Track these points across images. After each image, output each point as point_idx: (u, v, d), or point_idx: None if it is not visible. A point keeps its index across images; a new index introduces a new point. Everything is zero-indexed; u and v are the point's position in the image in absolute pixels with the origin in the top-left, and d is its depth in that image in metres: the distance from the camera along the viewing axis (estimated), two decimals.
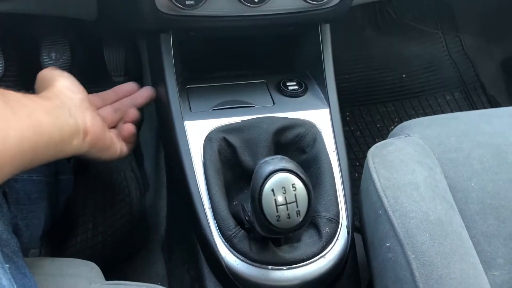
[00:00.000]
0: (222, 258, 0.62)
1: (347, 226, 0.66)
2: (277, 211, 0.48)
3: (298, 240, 0.63)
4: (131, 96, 0.83)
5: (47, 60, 1.24)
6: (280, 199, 0.48)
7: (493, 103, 1.42)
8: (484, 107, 1.40)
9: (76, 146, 0.60)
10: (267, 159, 0.51)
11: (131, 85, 0.84)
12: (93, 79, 1.27)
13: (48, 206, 0.78)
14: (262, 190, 0.48)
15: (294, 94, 0.79)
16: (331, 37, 0.80)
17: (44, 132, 0.53)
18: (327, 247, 0.63)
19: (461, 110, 1.38)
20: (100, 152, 0.67)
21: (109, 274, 0.97)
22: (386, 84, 1.43)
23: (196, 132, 0.70)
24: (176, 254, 0.87)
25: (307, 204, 0.49)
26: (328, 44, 0.80)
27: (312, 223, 0.64)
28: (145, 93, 0.82)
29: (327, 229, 0.63)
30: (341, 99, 0.79)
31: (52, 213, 0.82)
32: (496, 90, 1.45)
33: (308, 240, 0.63)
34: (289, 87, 0.80)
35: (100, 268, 0.97)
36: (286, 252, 0.61)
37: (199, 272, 0.67)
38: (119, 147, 0.73)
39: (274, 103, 0.78)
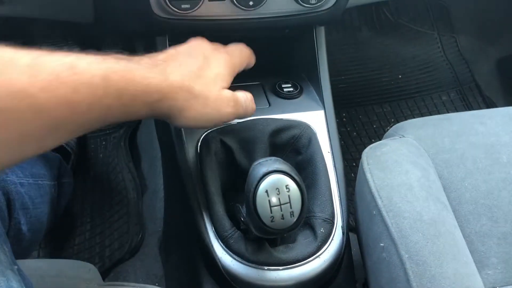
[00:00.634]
0: (219, 259, 0.62)
1: (342, 227, 0.66)
2: (271, 212, 0.49)
3: (293, 240, 0.63)
4: None
5: None
6: (274, 200, 0.49)
7: (489, 103, 1.43)
8: (480, 107, 1.41)
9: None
10: (261, 160, 0.52)
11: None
12: None
13: (50, 210, 0.79)
14: (256, 192, 0.49)
15: (289, 96, 0.80)
16: (327, 38, 0.81)
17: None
18: (322, 247, 0.63)
19: (457, 111, 1.39)
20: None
21: (107, 275, 0.99)
22: (383, 85, 1.43)
23: (193, 134, 0.71)
24: (173, 255, 0.88)
25: (301, 205, 0.50)
26: (323, 46, 0.80)
27: (307, 223, 0.65)
28: None
29: (322, 230, 0.64)
30: (338, 100, 0.79)
31: (53, 216, 0.83)
32: (492, 90, 1.46)
33: (304, 240, 0.63)
34: (285, 89, 0.81)
35: (98, 269, 0.98)
36: (281, 253, 0.61)
37: (196, 273, 0.68)
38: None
39: (270, 104, 0.79)
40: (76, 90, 0.42)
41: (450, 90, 1.45)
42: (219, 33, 0.77)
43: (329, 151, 0.73)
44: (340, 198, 0.69)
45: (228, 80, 0.59)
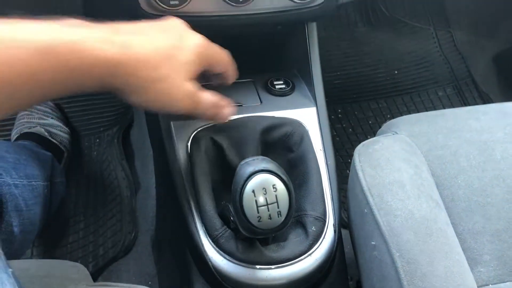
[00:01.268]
0: (209, 258, 0.62)
1: (333, 225, 0.66)
2: (258, 212, 0.49)
3: (285, 239, 0.63)
4: None
5: None
6: (261, 200, 0.48)
7: (485, 99, 1.42)
8: (476, 103, 1.41)
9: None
10: (248, 159, 0.51)
11: None
12: None
13: (42, 211, 0.78)
14: (243, 191, 0.49)
15: (281, 93, 0.79)
16: (322, 34, 0.80)
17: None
18: (314, 245, 0.63)
19: (453, 106, 1.39)
20: None
21: (101, 274, 0.98)
22: (378, 81, 1.43)
23: (183, 132, 0.70)
24: (165, 254, 0.87)
25: (288, 205, 0.50)
26: (315, 43, 0.79)
27: (299, 222, 0.64)
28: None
29: (313, 228, 0.63)
30: (333, 95, 0.79)
31: (46, 216, 0.82)
32: (488, 86, 1.45)
33: (295, 239, 0.63)
34: (277, 86, 0.80)
35: (91, 267, 0.97)
36: (273, 252, 0.61)
37: (187, 272, 0.67)
38: None
39: (261, 102, 0.78)
40: (11, 65, 0.39)
41: (446, 86, 1.44)
42: (209, 30, 0.76)
43: (321, 149, 0.72)
44: (332, 196, 0.69)
45: (195, 71, 0.52)
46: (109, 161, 1.15)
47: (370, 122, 1.35)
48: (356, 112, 1.36)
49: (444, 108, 1.32)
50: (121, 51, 0.46)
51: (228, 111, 0.59)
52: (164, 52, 0.49)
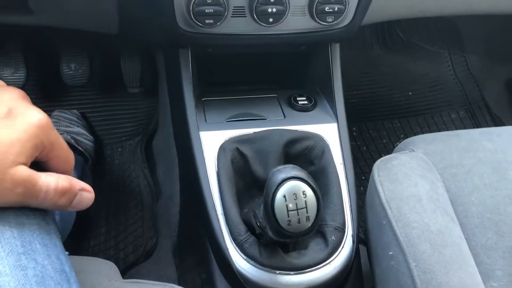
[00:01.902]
0: (233, 262, 0.65)
1: (352, 235, 0.69)
2: (288, 216, 0.52)
3: (305, 247, 0.66)
4: None
5: (67, 70, 1.29)
6: (291, 205, 0.52)
7: (498, 122, 1.45)
8: (489, 126, 1.43)
9: None
10: (279, 167, 0.55)
11: None
12: (109, 90, 1.33)
13: None
14: (275, 196, 0.52)
15: (304, 109, 0.83)
16: (340, 54, 0.85)
17: None
18: (333, 254, 0.66)
19: (465, 128, 1.41)
20: None
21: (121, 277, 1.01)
22: (393, 101, 1.46)
23: (211, 142, 0.74)
24: (187, 259, 0.90)
25: (316, 210, 0.53)
26: (337, 62, 0.84)
27: (319, 231, 0.68)
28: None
29: (333, 237, 0.66)
30: (349, 114, 0.82)
31: (77, 214, 0.86)
32: (501, 109, 1.48)
33: (315, 247, 0.66)
34: (299, 102, 0.84)
35: None
36: (294, 258, 0.64)
37: (210, 275, 0.70)
38: None
39: (284, 116, 0.82)
40: None
41: (460, 108, 1.48)
42: (240, 47, 0.81)
43: (341, 163, 0.76)
44: (351, 208, 0.72)
45: (29, 154, 0.40)
46: (131, 169, 1.19)
47: (384, 141, 1.38)
48: (370, 131, 1.39)
49: (456, 130, 1.35)
50: None
51: (88, 196, 0.46)
52: None
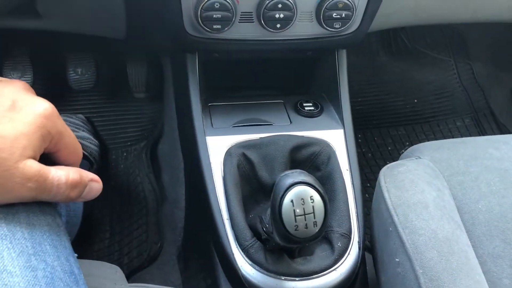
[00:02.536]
0: (239, 268, 0.65)
1: (358, 242, 0.69)
2: (296, 221, 0.52)
3: (311, 253, 0.66)
4: None
5: (73, 75, 1.30)
6: (298, 210, 0.52)
7: (503, 130, 1.44)
8: (494, 134, 1.43)
9: None
10: (287, 172, 0.55)
11: None
12: (115, 95, 1.33)
13: (82, 208, 0.81)
14: (282, 201, 0.52)
15: (310, 115, 0.83)
16: (346, 61, 0.85)
17: None
18: (339, 260, 0.66)
19: (471, 136, 1.41)
20: None
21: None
22: (398, 109, 1.46)
23: (217, 147, 0.74)
24: (192, 264, 0.90)
25: (324, 216, 0.53)
26: (344, 68, 0.84)
27: (325, 237, 0.67)
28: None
29: (339, 244, 0.66)
30: (354, 121, 0.83)
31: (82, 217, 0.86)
32: (506, 117, 1.47)
33: (321, 253, 0.66)
34: (306, 108, 0.84)
35: None
36: (299, 264, 0.64)
37: (216, 281, 0.70)
38: None
39: (291, 122, 0.82)
40: None
41: (465, 116, 1.47)
42: (247, 52, 0.81)
43: (348, 169, 0.76)
44: (357, 214, 0.72)
45: (37, 147, 0.40)
46: (136, 174, 1.19)
47: (389, 148, 1.38)
48: (375, 138, 1.39)
49: (462, 137, 1.35)
50: None
51: (97, 186, 0.46)
52: None
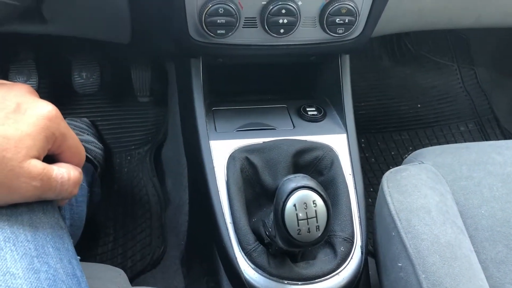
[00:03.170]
0: (242, 271, 0.65)
1: (361, 246, 0.69)
2: (298, 225, 0.52)
3: (314, 257, 0.66)
4: None
5: (78, 79, 1.31)
6: (301, 214, 0.52)
7: (507, 135, 1.44)
8: (498, 139, 1.43)
9: None
10: (290, 176, 0.55)
11: None
12: (119, 99, 1.34)
13: (86, 211, 0.82)
14: (285, 205, 0.52)
15: (313, 119, 0.83)
16: (349, 66, 0.85)
17: None
18: (342, 265, 0.66)
19: (474, 141, 1.41)
20: None
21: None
22: (402, 113, 1.46)
23: (221, 151, 0.75)
24: (195, 268, 0.90)
25: (326, 220, 0.53)
26: (347, 73, 0.84)
27: (327, 242, 0.68)
28: None
29: (342, 248, 0.66)
30: (357, 126, 0.83)
31: (86, 219, 0.86)
32: (510, 122, 1.47)
33: (324, 257, 0.66)
34: (309, 112, 0.84)
35: None
36: (302, 268, 0.64)
37: (219, 284, 0.70)
38: None
39: (294, 126, 0.82)
40: None
41: (469, 121, 1.47)
42: (250, 57, 0.81)
43: (351, 174, 0.76)
44: (360, 218, 0.72)
45: (41, 148, 0.41)
46: (140, 177, 1.20)
47: (392, 153, 1.38)
48: (379, 143, 1.39)
49: (466, 142, 1.35)
50: None
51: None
52: None
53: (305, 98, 0.90)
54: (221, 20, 0.68)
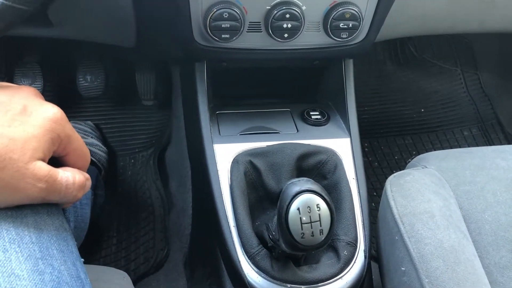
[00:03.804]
0: (245, 275, 0.65)
1: (364, 250, 0.69)
2: (302, 229, 0.52)
3: (317, 261, 0.66)
4: None
5: (83, 82, 1.31)
6: (305, 218, 0.52)
7: (511, 141, 1.44)
8: (502, 144, 1.42)
9: None
10: (294, 180, 0.55)
11: None
12: (124, 102, 1.35)
13: (90, 214, 0.82)
14: (289, 209, 0.53)
15: (317, 123, 0.84)
16: (353, 70, 0.85)
17: None
18: (345, 269, 0.66)
19: (478, 146, 1.41)
20: None
21: None
22: (405, 118, 1.46)
23: (224, 155, 0.75)
24: (198, 271, 0.91)
25: (330, 224, 0.53)
26: (351, 78, 0.84)
27: (331, 246, 0.68)
28: None
29: (345, 252, 0.66)
30: (360, 130, 0.83)
31: (90, 222, 0.87)
32: None
33: (327, 261, 0.66)
34: (312, 116, 0.85)
35: None
36: (305, 272, 0.64)
37: (222, 287, 0.70)
38: None
39: (297, 130, 0.83)
40: None
41: (472, 126, 1.47)
42: (254, 61, 0.82)
43: (354, 178, 0.76)
44: (363, 223, 0.72)
45: (46, 149, 0.41)
46: (143, 180, 1.20)
47: (396, 157, 1.38)
48: (382, 147, 1.39)
49: (469, 147, 1.35)
50: None
51: (88, 185, 0.47)
52: None
53: (309, 102, 0.90)
54: (225, 24, 0.69)
